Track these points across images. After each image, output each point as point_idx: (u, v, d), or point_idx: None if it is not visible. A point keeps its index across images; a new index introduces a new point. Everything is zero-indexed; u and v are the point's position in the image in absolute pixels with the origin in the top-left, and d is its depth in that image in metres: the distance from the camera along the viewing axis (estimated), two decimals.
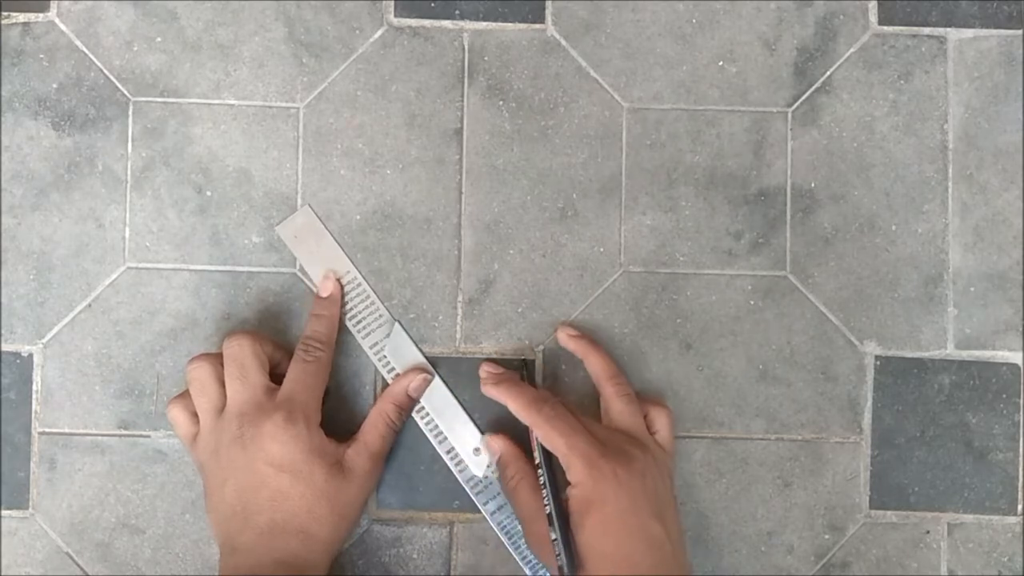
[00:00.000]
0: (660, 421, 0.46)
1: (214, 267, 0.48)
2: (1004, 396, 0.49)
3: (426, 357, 0.49)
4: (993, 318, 0.49)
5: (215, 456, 0.43)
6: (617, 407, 0.45)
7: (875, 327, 0.49)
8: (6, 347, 0.48)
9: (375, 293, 0.49)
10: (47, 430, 0.48)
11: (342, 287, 0.48)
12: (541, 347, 0.49)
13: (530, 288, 0.49)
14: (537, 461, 0.44)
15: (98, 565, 0.48)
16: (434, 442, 0.48)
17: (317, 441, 0.44)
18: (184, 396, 0.45)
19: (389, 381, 0.48)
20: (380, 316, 0.49)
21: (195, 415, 0.45)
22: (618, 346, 0.49)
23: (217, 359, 0.45)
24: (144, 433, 0.48)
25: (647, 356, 0.49)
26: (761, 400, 0.49)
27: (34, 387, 0.48)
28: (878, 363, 0.49)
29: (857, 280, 0.49)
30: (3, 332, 0.48)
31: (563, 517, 0.42)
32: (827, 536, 0.49)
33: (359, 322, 0.48)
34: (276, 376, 0.46)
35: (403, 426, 0.48)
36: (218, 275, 0.48)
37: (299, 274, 0.49)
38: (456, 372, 0.49)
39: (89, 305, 0.48)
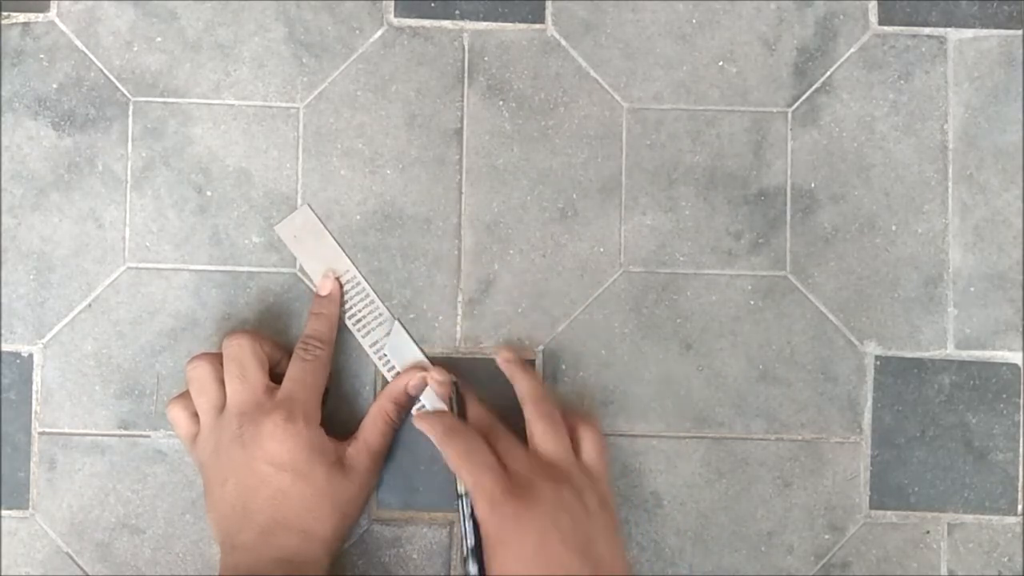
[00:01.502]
0: (587, 442, 0.45)
1: (214, 267, 0.48)
2: (1004, 396, 0.49)
3: (427, 356, 0.49)
4: (993, 318, 0.49)
5: (215, 455, 0.44)
6: (538, 430, 0.44)
7: (875, 327, 0.49)
8: (6, 347, 0.48)
9: (375, 292, 0.49)
10: (47, 430, 0.48)
11: (341, 286, 0.48)
12: (541, 347, 0.49)
13: (530, 288, 0.49)
14: (460, 491, 0.44)
15: (98, 565, 0.48)
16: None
17: (317, 440, 0.44)
18: (184, 396, 0.45)
19: (389, 380, 0.48)
20: (380, 315, 0.49)
21: (195, 415, 0.45)
22: (618, 346, 0.49)
23: (216, 359, 0.45)
24: (144, 433, 0.48)
25: (647, 356, 0.49)
26: (761, 400, 0.49)
27: (34, 387, 0.48)
28: (878, 363, 0.49)
29: (857, 280, 0.49)
30: (3, 332, 0.48)
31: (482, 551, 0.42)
32: (827, 536, 0.49)
33: (359, 321, 0.48)
34: (276, 376, 0.46)
35: (402, 424, 0.48)
36: (218, 275, 0.48)
37: (299, 274, 0.49)
38: (456, 372, 0.48)
39: (89, 305, 0.48)
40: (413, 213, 0.49)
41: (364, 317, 0.49)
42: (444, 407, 0.47)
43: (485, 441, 0.44)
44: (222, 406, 0.44)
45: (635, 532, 0.49)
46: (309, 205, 0.48)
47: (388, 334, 0.48)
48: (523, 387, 0.46)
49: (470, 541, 0.43)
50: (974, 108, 0.50)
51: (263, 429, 0.43)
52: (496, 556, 0.41)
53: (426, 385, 0.48)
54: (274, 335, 0.48)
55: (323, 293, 0.48)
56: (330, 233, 0.49)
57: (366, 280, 0.49)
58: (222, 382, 0.44)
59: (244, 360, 0.44)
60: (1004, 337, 0.49)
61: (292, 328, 0.48)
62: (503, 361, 0.47)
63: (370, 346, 0.48)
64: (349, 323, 0.48)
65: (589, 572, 0.40)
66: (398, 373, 0.48)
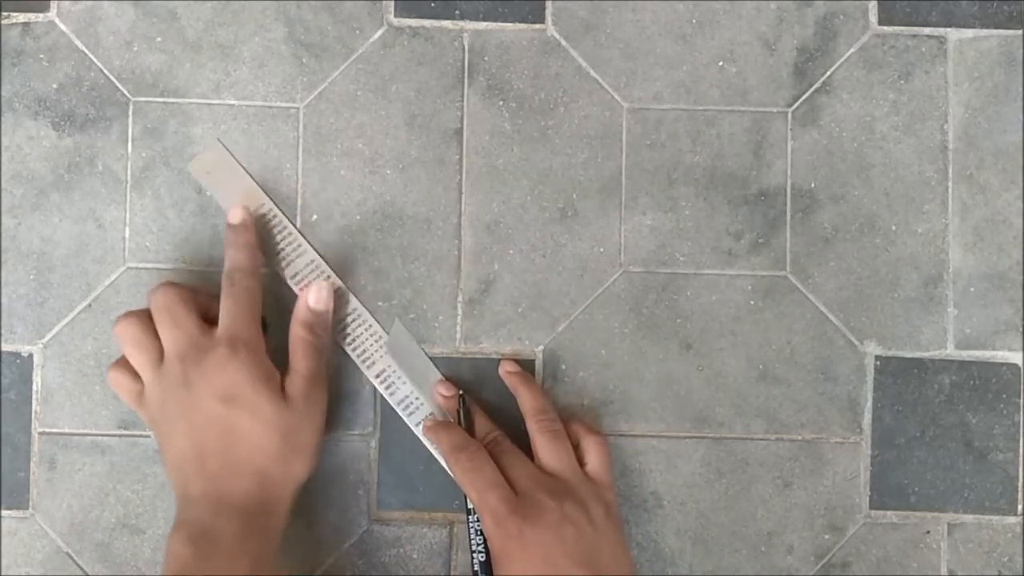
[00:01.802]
0: (592, 452, 0.45)
1: (214, 267, 0.48)
2: (1004, 396, 0.49)
3: (427, 354, 0.49)
4: (993, 318, 0.49)
5: (162, 405, 0.43)
6: (541, 444, 0.45)
7: (875, 327, 0.49)
8: (6, 347, 0.48)
9: (293, 224, 0.48)
10: (47, 430, 0.48)
11: (251, 213, 0.47)
12: (541, 347, 0.49)
13: (530, 288, 0.49)
14: (470, 507, 0.45)
15: (98, 565, 0.48)
16: (431, 446, 0.48)
17: (262, 368, 0.43)
18: (121, 360, 0.45)
19: (358, 364, 0.48)
20: (318, 268, 0.48)
21: (135, 374, 0.44)
22: (618, 346, 0.49)
23: (144, 313, 0.44)
24: (144, 433, 0.48)
25: (647, 356, 0.49)
26: (761, 400, 0.49)
27: (34, 387, 0.48)
28: (878, 363, 0.49)
29: (857, 280, 0.49)
30: (3, 332, 0.48)
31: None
32: (827, 536, 0.49)
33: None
34: (209, 322, 0.44)
35: (327, 342, 0.46)
36: (218, 275, 0.48)
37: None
38: (456, 372, 0.49)
39: (89, 305, 0.48)
40: (413, 213, 0.49)
41: (303, 274, 0.49)
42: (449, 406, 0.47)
43: (490, 456, 0.44)
44: (160, 357, 0.43)
45: (635, 532, 0.49)
46: (220, 140, 0.48)
47: (381, 339, 0.48)
48: (526, 401, 0.46)
49: (481, 557, 0.44)
50: (974, 108, 0.50)
51: (207, 366, 0.42)
52: (503, 572, 0.42)
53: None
54: (275, 334, 0.48)
55: (234, 221, 0.46)
56: (244, 168, 0.48)
57: (284, 214, 0.48)
58: (155, 334, 0.43)
59: (172, 307, 0.43)
60: (1004, 337, 0.49)
61: (290, 327, 0.48)
62: (505, 373, 0.48)
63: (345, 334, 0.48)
64: (339, 341, 0.48)
65: None
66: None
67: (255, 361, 0.43)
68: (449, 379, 0.48)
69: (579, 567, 0.41)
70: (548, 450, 0.44)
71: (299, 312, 0.46)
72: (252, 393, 0.42)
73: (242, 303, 0.44)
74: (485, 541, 0.44)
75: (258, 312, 0.45)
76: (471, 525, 0.45)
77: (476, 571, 0.44)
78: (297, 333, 0.46)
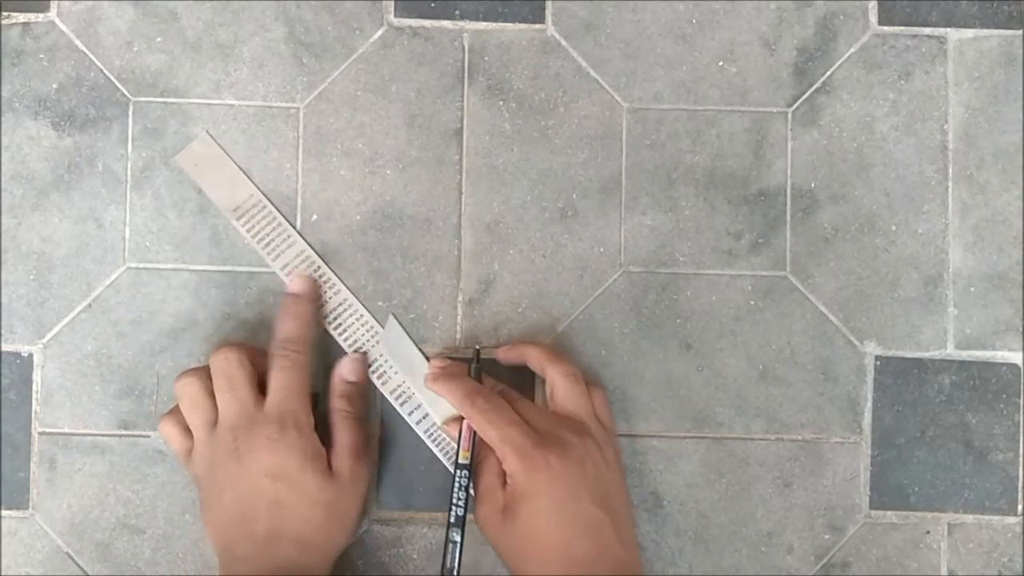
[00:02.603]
0: (597, 399, 0.46)
1: (214, 267, 0.48)
2: (1004, 396, 0.49)
3: (420, 350, 0.49)
4: (993, 318, 0.49)
5: (211, 469, 0.44)
6: (562, 387, 0.45)
7: (875, 327, 0.49)
8: (6, 347, 0.48)
9: (282, 215, 0.48)
10: (47, 430, 0.48)
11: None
12: None
13: (530, 288, 0.49)
14: (461, 461, 0.45)
15: (98, 565, 0.48)
16: (431, 444, 0.48)
17: (311, 448, 0.44)
18: (175, 412, 0.45)
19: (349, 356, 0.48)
20: (308, 259, 0.48)
21: (187, 429, 0.45)
22: (618, 346, 0.49)
23: (205, 373, 0.45)
24: (144, 433, 0.48)
25: (647, 356, 0.49)
26: (761, 400, 0.49)
27: (34, 387, 0.48)
28: (878, 363, 0.49)
29: (857, 280, 0.49)
30: (3, 332, 0.48)
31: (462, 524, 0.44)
32: (827, 536, 0.49)
33: (331, 314, 0.48)
34: (265, 385, 0.45)
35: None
36: (218, 275, 0.48)
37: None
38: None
39: (89, 305, 0.48)
40: (413, 213, 0.49)
41: (287, 257, 0.49)
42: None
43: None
44: (214, 420, 0.44)
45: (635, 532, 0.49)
46: (208, 131, 0.48)
47: (377, 335, 0.48)
48: (536, 354, 0.47)
49: (459, 511, 0.44)
50: (974, 108, 0.50)
51: (256, 442, 0.43)
52: (522, 508, 0.42)
53: (363, 366, 0.47)
54: (270, 338, 0.48)
55: (295, 290, 0.47)
56: (232, 159, 0.48)
57: (272, 204, 0.48)
58: (212, 396, 0.44)
59: (232, 374, 0.44)
60: (1004, 337, 0.49)
61: None
62: (504, 353, 0.48)
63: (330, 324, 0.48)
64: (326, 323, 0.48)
65: (609, 524, 0.42)
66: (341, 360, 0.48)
67: (302, 440, 0.43)
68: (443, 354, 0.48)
69: (597, 505, 0.42)
70: (570, 394, 0.45)
71: (336, 385, 0.47)
72: (299, 472, 0.43)
73: (292, 378, 0.44)
74: (467, 498, 0.44)
75: (307, 386, 0.45)
76: (457, 480, 0.44)
77: (453, 523, 0.44)
78: (336, 406, 0.46)
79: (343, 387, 0.47)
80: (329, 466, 0.44)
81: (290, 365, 0.45)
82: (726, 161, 0.49)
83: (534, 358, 0.47)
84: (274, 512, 0.42)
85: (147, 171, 0.49)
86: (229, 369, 0.44)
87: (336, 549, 0.45)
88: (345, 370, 0.47)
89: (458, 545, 0.44)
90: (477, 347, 0.47)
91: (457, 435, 0.46)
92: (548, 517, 0.42)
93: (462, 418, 0.45)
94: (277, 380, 0.44)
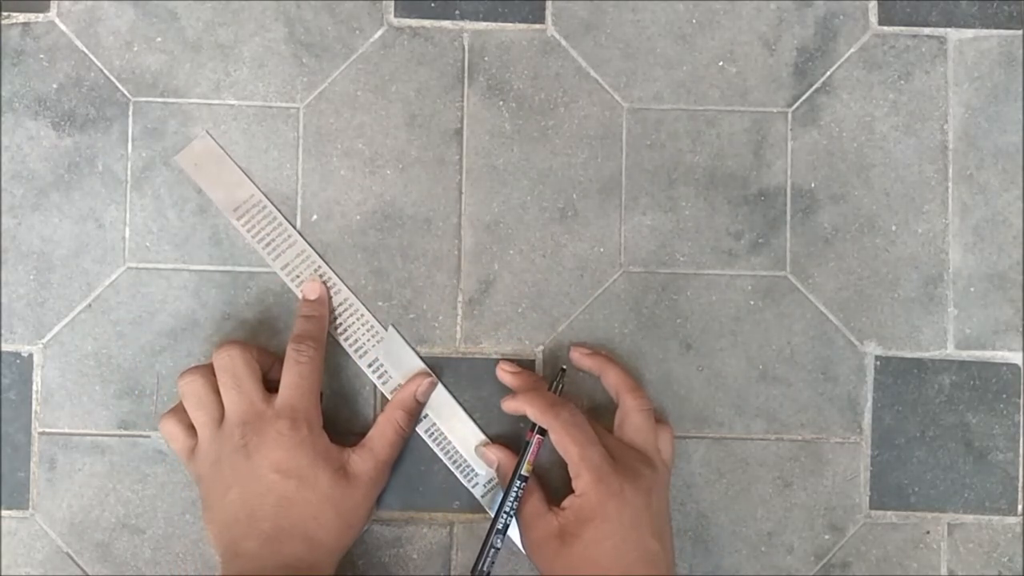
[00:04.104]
0: (663, 439, 0.46)
1: (214, 267, 0.48)
2: (1004, 396, 0.49)
3: (420, 356, 0.49)
4: (993, 318, 0.49)
5: (216, 466, 0.43)
6: (635, 421, 0.45)
7: (875, 327, 0.49)
8: (6, 347, 0.48)
9: (282, 214, 0.48)
10: (47, 430, 0.48)
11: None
12: (541, 347, 0.49)
13: (530, 288, 0.49)
14: (524, 472, 0.44)
15: (98, 565, 0.48)
16: (432, 445, 0.48)
17: (322, 446, 0.44)
18: (177, 410, 0.45)
19: (358, 361, 0.48)
20: (308, 259, 0.48)
21: (190, 427, 0.45)
22: (618, 346, 0.49)
23: (208, 370, 0.45)
24: (144, 433, 0.48)
25: (647, 356, 0.49)
26: (761, 400, 0.49)
27: (34, 387, 0.48)
28: (878, 363, 0.49)
29: (857, 280, 0.49)
30: (3, 332, 0.48)
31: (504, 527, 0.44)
32: (827, 536, 0.49)
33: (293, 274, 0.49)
34: (267, 382, 0.45)
35: (411, 432, 0.48)
36: (218, 275, 0.48)
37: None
38: (456, 372, 0.49)
39: (89, 305, 0.48)
40: (413, 213, 0.49)
41: (292, 263, 0.49)
42: (454, 407, 0.47)
43: None
44: (220, 418, 0.44)
45: None
46: (208, 131, 0.48)
47: (381, 340, 0.48)
48: (617, 378, 0.47)
49: (510, 519, 0.44)
50: (974, 108, 0.50)
51: (267, 437, 0.43)
52: (590, 526, 0.42)
53: (433, 391, 0.48)
54: (273, 335, 0.48)
55: (311, 297, 0.48)
56: (232, 159, 0.48)
57: (272, 203, 0.48)
58: (218, 393, 0.44)
59: (237, 370, 0.44)
60: (1004, 337, 0.49)
61: (292, 328, 0.48)
62: (582, 356, 0.48)
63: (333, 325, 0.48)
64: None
65: (663, 558, 0.43)
66: (399, 385, 0.48)
67: (313, 437, 0.43)
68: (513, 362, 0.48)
69: (654, 537, 0.43)
70: (641, 429, 0.45)
71: (404, 399, 0.47)
72: (311, 470, 0.43)
73: (305, 376, 0.44)
74: (510, 506, 0.44)
75: (319, 384, 0.45)
76: (515, 491, 0.44)
77: (498, 529, 0.44)
78: (394, 416, 0.46)
79: (411, 403, 0.47)
80: (345, 465, 0.44)
81: (305, 362, 0.44)
82: (726, 161, 0.49)
83: (612, 380, 0.47)
84: (282, 508, 0.42)
85: (147, 171, 0.49)
86: (234, 366, 0.44)
87: (343, 548, 0.44)
88: (422, 390, 0.47)
89: (498, 552, 0.44)
90: (563, 368, 0.47)
91: (490, 459, 0.47)
92: (614, 543, 0.42)
93: (497, 443, 0.47)
94: (290, 376, 0.44)
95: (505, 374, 0.47)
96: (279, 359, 0.46)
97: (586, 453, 0.43)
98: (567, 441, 0.43)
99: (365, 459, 0.45)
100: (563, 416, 0.44)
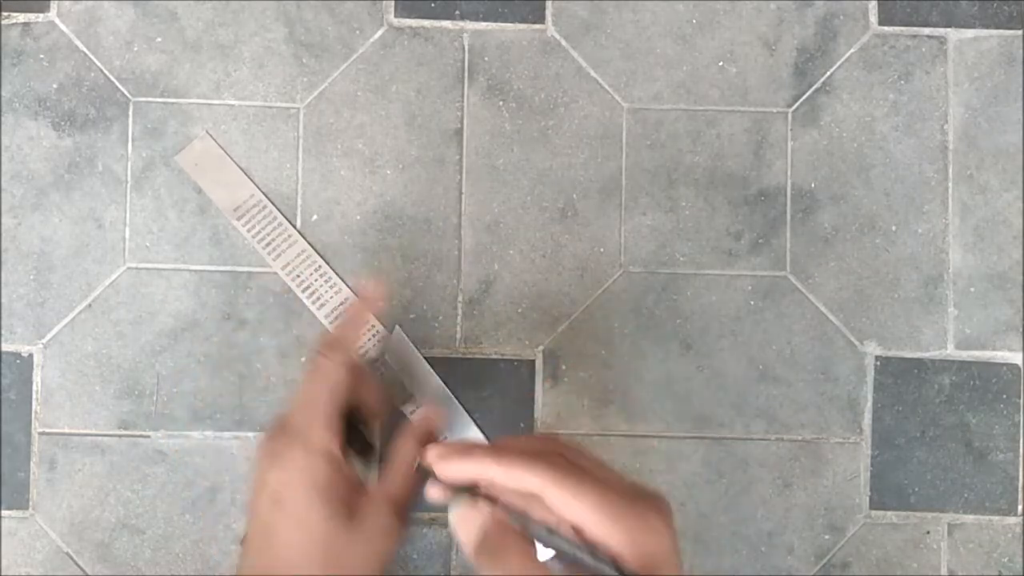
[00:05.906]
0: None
1: (214, 267, 0.48)
2: (1004, 396, 0.49)
3: (426, 359, 0.49)
4: (993, 318, 0.49)
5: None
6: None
7: (875, 327, 0.49)
8: (6, 347, 0.48)
9: (282, 214, 0.48)
10: (47, 430, 0.48)
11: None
12: (541, 347, 0.49)
13: (530, 288, 0.49)
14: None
15: (98, 565, 0.48)
16: None
17: (322, 474, 0.35)
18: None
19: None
20: (309, 259, 0.48)
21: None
22: (618, 346, 0.49)
23: (356, 368, 0.39)
24: (144, 433, 0.48)
25: (647, 356, 0.49)
26: (761, 400, 0.49)
27: (34, 387, 0.48)
28: (878, 363, 0.49)
29: (857, 280, 0.49)
30: (3, 332, 0.48)
31: None
32: (827, 536, 0.49)
33: (297, 276, 0.48)
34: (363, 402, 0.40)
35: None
36: (218, 275, 0.48)
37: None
38: (456, 373, 0.49)
39: (89, 305, 0.48)
40: (413, 213, 0.49)
41: (307, 278, 0.49)
42: (455, 408, 0.47)
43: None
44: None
45: None
46: (208, 131, 0.48)
47: (385, 337, 0.48)
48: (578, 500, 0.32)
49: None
50: (974, 108, 0.50)
51: (261, 452, 0.36)
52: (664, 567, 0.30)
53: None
54: (273, 335, 0.48)
55: (364, 295, 0.42)
56: (232, 159, 0.48)
57: (273, 203, 0.48)
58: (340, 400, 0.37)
59: (310, 373, 0.38)
60: (1004, 337, 0.49)
61: (292, 328, 0.48)
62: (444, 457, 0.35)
63: (304, 291, 0.48)
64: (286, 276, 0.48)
65: None
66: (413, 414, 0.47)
67: (309, 461, 0.35)
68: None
69: None
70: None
71: (421, 431, 0.38)
72: (302, 500, 0.34)
73: (315, 387, 0.37)
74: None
75: (336, 402, 0.37)
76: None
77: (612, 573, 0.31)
78: (408, 450, 0.38)
79: (429, 437, 0.38)
80: (355, 506, 0.35)
81: (315, 371, 0.37)
82: (726, 161, 0.49)
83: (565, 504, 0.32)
84: (267, 543, 0.34)
85: (147, 171, 0.49)
86: (323, 369, 0.37)
87: None
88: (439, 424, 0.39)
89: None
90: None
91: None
92: None
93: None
94: (304, 387, 0.38)
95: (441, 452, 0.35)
96: (380, 412, 0.41)
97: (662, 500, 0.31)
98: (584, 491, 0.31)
99: (377, 500, 0.36)
100: (581, 464, 0.32)
